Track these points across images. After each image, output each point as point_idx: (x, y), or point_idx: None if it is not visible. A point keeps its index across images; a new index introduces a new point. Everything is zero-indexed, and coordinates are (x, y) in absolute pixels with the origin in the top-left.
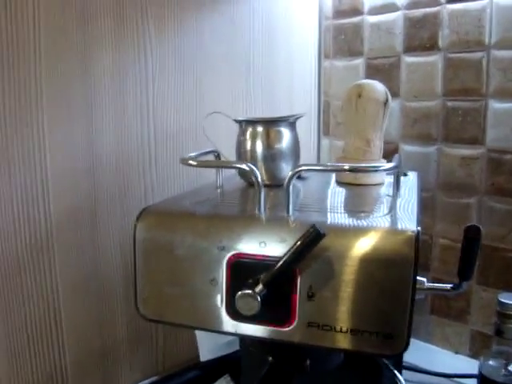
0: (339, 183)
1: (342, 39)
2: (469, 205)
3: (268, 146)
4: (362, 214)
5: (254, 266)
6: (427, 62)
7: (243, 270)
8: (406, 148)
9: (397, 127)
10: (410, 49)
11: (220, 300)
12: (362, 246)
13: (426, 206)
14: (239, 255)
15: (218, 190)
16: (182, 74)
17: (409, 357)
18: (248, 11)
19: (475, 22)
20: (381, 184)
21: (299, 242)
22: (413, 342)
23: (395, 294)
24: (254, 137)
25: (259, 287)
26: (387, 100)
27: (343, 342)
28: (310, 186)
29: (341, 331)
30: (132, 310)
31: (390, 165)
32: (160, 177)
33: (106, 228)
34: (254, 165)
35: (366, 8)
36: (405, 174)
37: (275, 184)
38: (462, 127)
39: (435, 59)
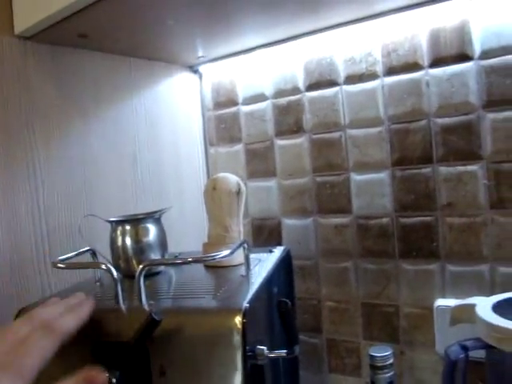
0: (207, 267)
1: (222, 128)
2: (346, 268)
3: (136, 240)
4: (205, 297)
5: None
6: (295, 144)
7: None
8: (287, 222)
9: (277, 203)
10: (280, 133)
11: None
12: (195, 326)
13: (310, 273)
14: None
15: (97, 284)
16: (70, 178)
17: None
18: (131, 112)
19: (331, 106)
20: (242, 264)
21: (139, 328)
22: None
23: (231, 364)
24: (123, 234)
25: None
26: (239, 190)
27: None
28: (183, 272)
29: None
30: None
31: (226, 252)
32: (55, 273)
33: None
34: (125, 259)
35: (241, 99)
36: (270, 251)
37: (149, 274)
38: (331, 199)
39: (302, 141)
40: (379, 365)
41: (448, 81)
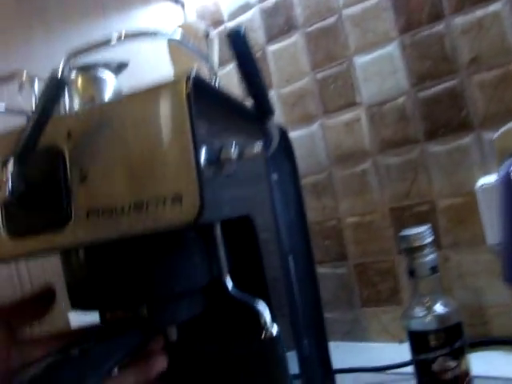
0: None
1: None
2: (365, 171)
3: None
4: None
5: None
6: (289, 44)
7: None
8: (292, 134)
9: (278, 116)
10: (271, 38)
11: None
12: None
13: (324, 188)
14: None
15: None
16: None
17: (348, 361)
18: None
19: None
20: None
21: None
22: (349, 345)
23: (173, 146)
24: None
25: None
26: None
27: (131, 225)
28: None
29: (123, 211)
30: None
31: None
32: None
33: None
34: None
35: (226, 16)
36: None
37: None
38: (337, 94)
39: (296, 39)
40: (416, 245)
41: None
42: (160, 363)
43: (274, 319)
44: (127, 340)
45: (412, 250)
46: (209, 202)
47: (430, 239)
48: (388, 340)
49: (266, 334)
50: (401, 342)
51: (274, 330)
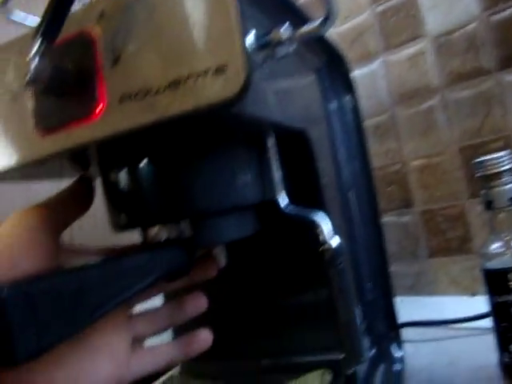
0: None
1: None
2: (431, 108)
3: None
4: None
5: None
6: None
7: None
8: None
9: None
10: None
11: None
12: None
13: (387, 130)
14: None
15: None
16: None
17: (413, 317)
18: None
19: None
20: None
21: None
22: (414, 299)
23: (216, 15)
24: None
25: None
26: None
27: (168, 105)
28: None
29: (159, 91)
30: None
31: None
32: None
33: None
34: None
35: None
36: None
37: None
38: (398, 27)
39: None
40: (493, 172)
41: None
42: (198, 303)
43: (335, 231)
44: (168, 255)
45: (488, 178)
46: (257, 94)
47: (509, 165)
48: (458, 293)
49: (324, 246)
50: (473, 294)
51: (335, 241)
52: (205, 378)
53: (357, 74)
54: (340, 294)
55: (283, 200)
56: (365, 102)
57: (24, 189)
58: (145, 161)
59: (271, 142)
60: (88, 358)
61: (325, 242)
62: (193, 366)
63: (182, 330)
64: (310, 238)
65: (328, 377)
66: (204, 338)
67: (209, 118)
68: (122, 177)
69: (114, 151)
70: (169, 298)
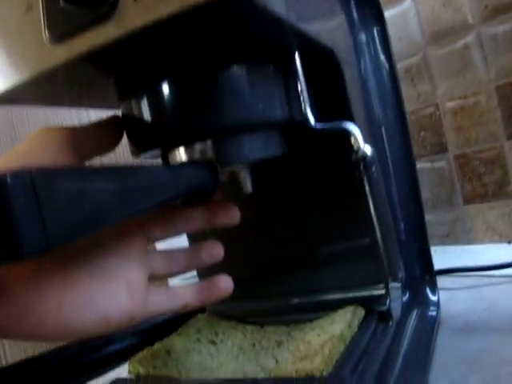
0: None
1: None
2: (467, 45)
3: None
4: None
5: None
6: None
7: None
8: None
9: None
10: None
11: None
12: None
13: (419, 72)
14: None
15: None
16: None
17: (448, 265)
18: None
19: None
20: None
21: None
22: (449, 248)
23: None
24: None
25: None
26: None
27: None
28: None
29: None
30: None
31: None
32: None
33: None
34: None
35: None
36: None
37: None
38: None
39: None
40: None
41: None
42: (214, 251)
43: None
44: (190, 171)
45: None
46: None
47: None
48: (495, 241)
49: (357, 154)
50: (509, 242)
51: (368, 149)
52: (232, 318)
53: (387, 15)
54: (374, 206)
55: (311, 120)
56: (395, 44)
57: None
58: (166, 75)
59: (297, 64)
60: (101, 286)
61: (358, 149)
62: (220, 306)
63: (206, 274)
64: (342, 155)
65: (361, 312)
66: (224, 285)
67: (231, 10)
68: (142, 94)
69: (132, 66)
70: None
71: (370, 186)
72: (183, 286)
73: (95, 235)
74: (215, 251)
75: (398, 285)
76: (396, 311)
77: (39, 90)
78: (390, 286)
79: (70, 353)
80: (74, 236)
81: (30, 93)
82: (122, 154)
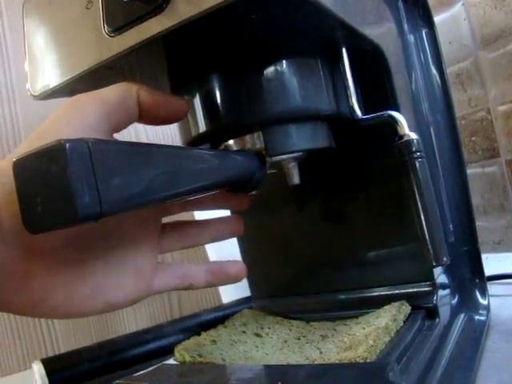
0: None
1: None
2: None
3: None
4: None
5: None
6: None
7: None
8: None
9: None
10: None
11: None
12: None
13: (470, 77)
14: None
15: None
16: None
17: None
18: None
19: None
20: None
21: None
22: (501, 256)
23: None
24: None
25: None
26: None
27: None
28: None
29: None
30: None
31: None
32: None
33: None
34: None
35: None
36: None
37: None
38: None
39: None
40: None
41: None
42: (234, 227)
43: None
44: (238, 159)
45: None
46: None
47: None
48: None
49: (403, 138)
50: None
51: (413, 135)
52: (277, 314)
53: (437, 19)
54: (422, 202)
55: (358, 113)
56: (446, 48)
57: None
58: (219, 68)
59: (344, 59)
60: (113, 272)
61: (404, 134)
62: (265, 302)
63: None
64: (389, 150)
65: (406, 308)
66: (235, 270)
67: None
68: (193, 87)
69: (186, 58)
70: None
71: (416, 179)
72: (192, 266)
73: (113, 223)
74: (235, 228)
75: (446, 282)
76: (443, 309)
77: (96, 81)
78: (437, 283)
79: (119, 346)
80: (124, 207)
81: (87, 84)
82: None
